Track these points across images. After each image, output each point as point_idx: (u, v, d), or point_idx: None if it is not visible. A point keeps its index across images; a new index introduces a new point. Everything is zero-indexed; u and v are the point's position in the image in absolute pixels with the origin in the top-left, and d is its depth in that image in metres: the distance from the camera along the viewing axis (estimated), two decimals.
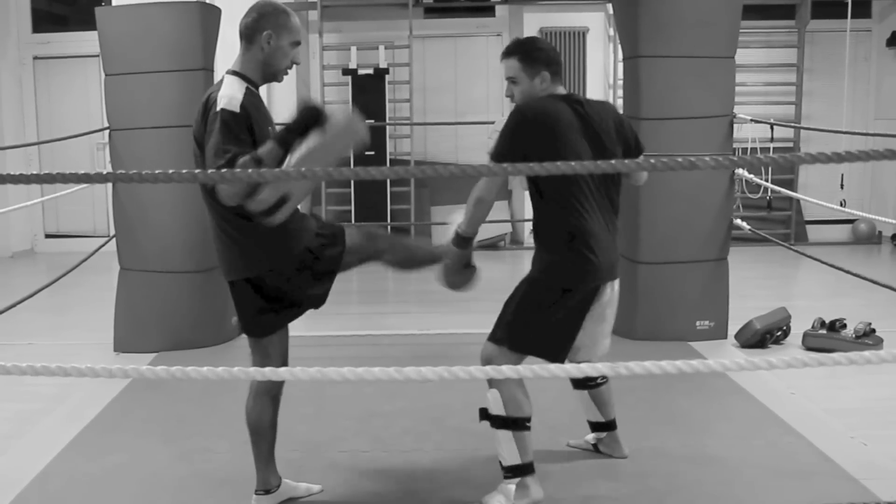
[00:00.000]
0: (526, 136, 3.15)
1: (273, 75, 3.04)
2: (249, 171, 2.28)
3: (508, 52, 3.31)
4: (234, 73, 3.00)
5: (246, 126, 2.86)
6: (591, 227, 3.18)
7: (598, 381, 3.69)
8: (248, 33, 2.98)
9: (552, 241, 3.22)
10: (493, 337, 3.30)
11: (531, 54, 3.27)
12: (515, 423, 3.22)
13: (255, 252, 3.02)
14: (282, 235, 3.00)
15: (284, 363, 3.19)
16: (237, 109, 2.85)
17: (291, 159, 2.73)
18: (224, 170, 2.67)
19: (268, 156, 2.75)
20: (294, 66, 3.06)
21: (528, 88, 3.28)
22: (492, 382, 3.21)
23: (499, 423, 3.24)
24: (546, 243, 3.26)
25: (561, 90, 3.33)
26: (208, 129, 2.87)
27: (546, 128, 3.15)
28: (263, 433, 3.23)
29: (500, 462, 3.27)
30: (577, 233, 3.16)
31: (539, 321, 3.21)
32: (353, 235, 3.25)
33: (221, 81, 2.97)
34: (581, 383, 3.70)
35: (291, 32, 3.00)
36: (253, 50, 2.98)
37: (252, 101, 2.93)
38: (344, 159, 2.94)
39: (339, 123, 2.80)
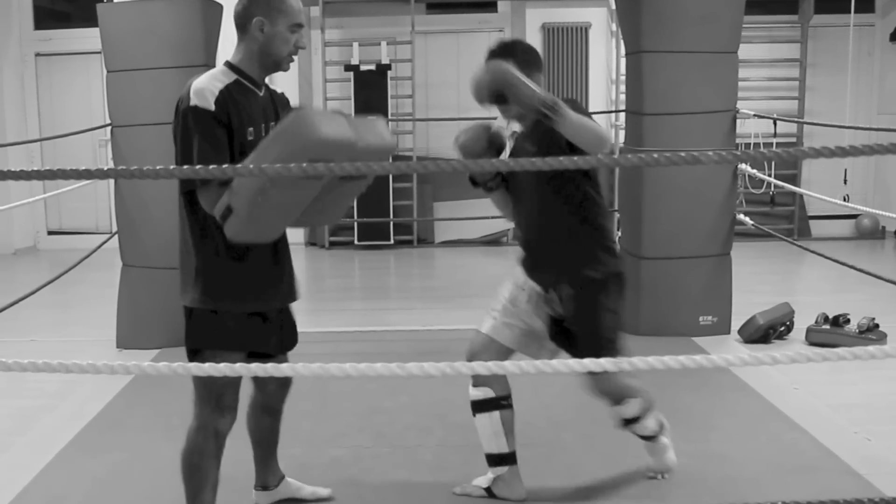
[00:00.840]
0: None
1: (275, 64, 2.75)
2: (250, 167, 2.15)
3: (503, 54, 3.11)
4: (227, 63, 2.77)
5: (218, 126, 2.61)
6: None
7: (510, 401, 3.30)
8: (240, 22, 2.72)
9: (605, 233, 3.21)
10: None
11: (529, 55, 3.18)
12: (662, 429, 3.40)
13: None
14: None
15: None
16: (210, 107, 2.61)
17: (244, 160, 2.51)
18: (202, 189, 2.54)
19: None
20: (299, 51, 2.78)
21: None
22: (626, 396, 3.26)
23: (649, 437, 3.40)
24: (601, 235, 3.19)
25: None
26: (179, 125, 2.65)
27: None
28: (255, 440, 3.22)
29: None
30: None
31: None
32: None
33: (200, 73, 2.75)
34: (492, 404, 3.29)
35: (288, 15, 2.70)
36: (247, 40, 2.72)
37: (235, 95, 2.67)
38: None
39: (285, 122, 2.49)
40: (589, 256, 3.14)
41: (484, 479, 3.36)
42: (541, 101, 2.83)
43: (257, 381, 3.10)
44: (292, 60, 2.78)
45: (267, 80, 2.88)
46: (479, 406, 3.27)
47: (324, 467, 3.67)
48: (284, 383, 3.13)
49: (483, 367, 1.94)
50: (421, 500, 3.38)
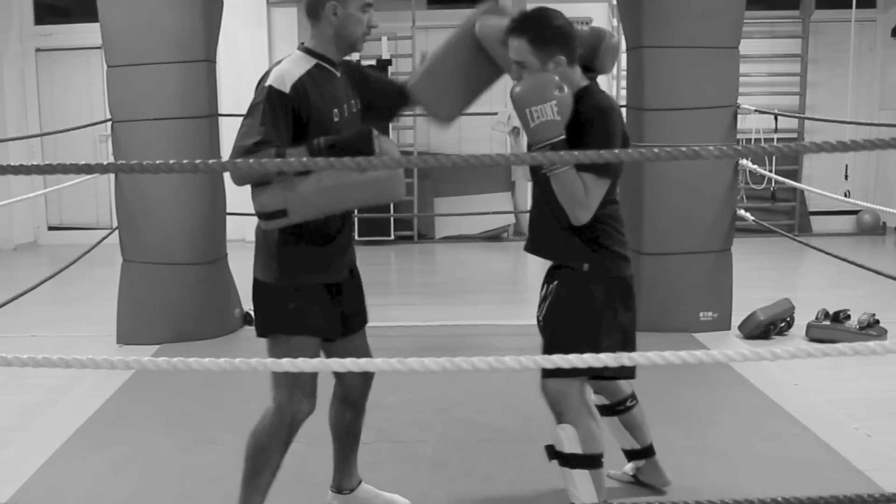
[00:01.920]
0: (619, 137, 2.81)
1: (351, 46, 2.79)
2: (251, 161, 2.11)
3: (515, 30, 2.78)
4: (304, 48, 2.79)
5: (290, 109, 2.65)
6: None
7: (628, 403, 3.29)
8: (312, 9, 2.74)
9: (604, 232, 2.89)
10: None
11: (544, 33, 2.75)
12: (592, 461, 2.90)
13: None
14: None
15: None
16: (286, 90, 2.64)
17: (318, 176, 2.57)
18: (237, 159, 2.53)
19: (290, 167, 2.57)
20: (371, 30, 2.82)
21: None
22: (563, 417, 2.89)
23: (574, 462, 2.91)
24: (616, 237, 2.91)
25: (585, 81, 2.87)
26: (253, 100, 2.69)
27: (622, 131, 2.84)
28: (335, 434, 3.17)
29: (571, 502, 2.97)
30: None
31: (610, 332, 2.93)
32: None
33: (285, 57, 2.78)
34: (609, 409, 3.30)
35: None
36: (322, 25, 2.74)
37: (316, 80, 2.71)
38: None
39: (386, 171, 2.60)
40: (577, 252, 2.87)
41: (630, 466, 3.42)
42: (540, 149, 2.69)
43: (337, 372, 3.03)
44: (366, 40, 2.82)
45: None
46: (601, 411, 3.26)
47: (325, 462, 3.67)
48: (367, 376, 3.08)
49: (483, 363, 1.94)
50: (421, 496, 3.38)
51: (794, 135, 10.00)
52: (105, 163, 2.05)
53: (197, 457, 3.75)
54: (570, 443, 2.87)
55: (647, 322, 5.58)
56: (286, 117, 2.65)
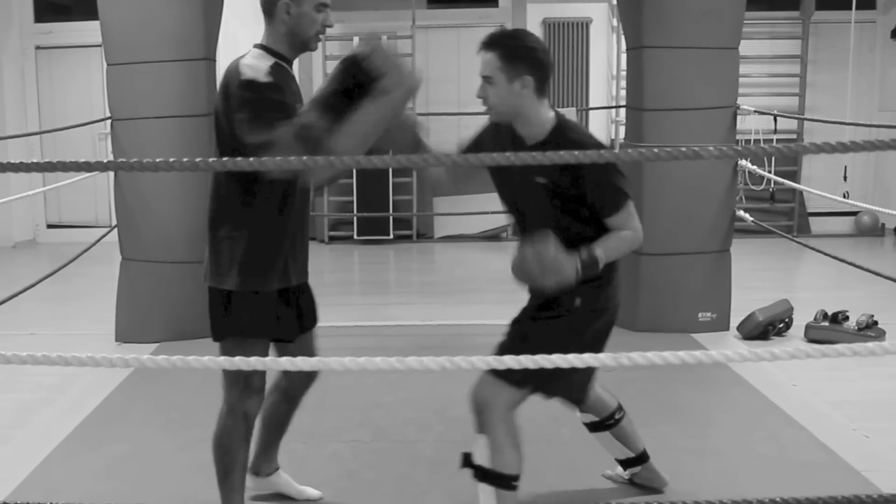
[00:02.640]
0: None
1: (304, 45, 2.78)
2: (251, 160, 2.07)
3: (488, 45, 2.73)
4: (260, 46, 2.78)
5: (277, 89, 2.64)
6: None
7: (616, 416, 3.25)
8: (266, 6, 2.75)
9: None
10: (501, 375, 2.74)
11: (515, 52, 2.69)
12: (501, 481, 2.80)
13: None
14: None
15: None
16: (267, 78, 2.63)
17: (365, 110, 2.55)
18: (259, 153, 2.48)
19: (316, 122, 2.54)
20: (326, 30, 2.81)
21: (504, 93, 2.70)
22: (482, 427, 2.82)
23: (481, 475, 2.83)
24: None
25: (551, 112, 2.78)
26: (232, 104, 2.65)
27: None
28: (265, 424, 3.22)
29: None
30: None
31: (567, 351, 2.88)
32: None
33: (244, 55, 2.76)
34: (598, 426, 3.27)
35: None
36: (275, 23, 2.74)
37: (280, 75, 2.70)
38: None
39: (397, 75, 2.56)
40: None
41: (625, 472, 3.42)
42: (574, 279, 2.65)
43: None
44: (319, 40, 2.82)
45: None
46: (590, 427, 3.29)
47: (323, 461, 3.68)
48: (311, 374, 3.16)
49: (482, 362, 1.94)
50: (420, 495, 3.38)
51: (794, 136, 10.00)
52: (104, 161, 2.05)
53: (195, 455, 3.74)
54: (482, 455, 2.81)
55: (645, 322, 5.62)
56: (281, 99, 2.64)
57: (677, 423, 4.09)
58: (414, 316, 6.21)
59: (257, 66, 2.66)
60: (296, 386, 3.18)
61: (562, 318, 2.83)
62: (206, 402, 4.38)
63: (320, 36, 2.80)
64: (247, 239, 2.81)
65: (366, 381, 4.59)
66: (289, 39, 2.76)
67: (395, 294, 7.66)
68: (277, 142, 2.49)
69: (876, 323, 5.43)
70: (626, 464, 3.36)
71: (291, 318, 2.96)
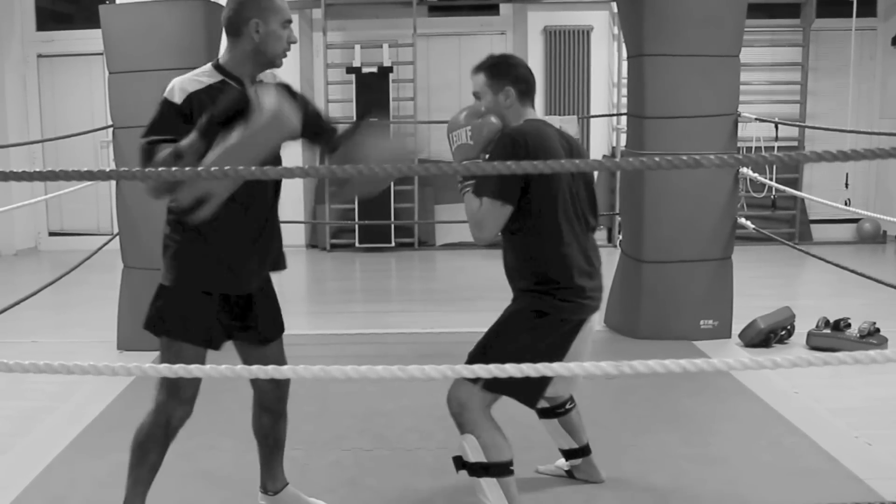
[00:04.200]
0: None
1: (271, 62, 2.81)
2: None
3: (477, 68, 3.14)
4: (215, 64, 2.81)
5: (182, 119, 2.66)
6: (581, 251, 3.03)
7: (567, 406, 3.44)
8: (233, 26, 2.76)
9: (540, 273, 3.00)
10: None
11: (498, 68, 3.10)
12: (499, 469, 2.95)
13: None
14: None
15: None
16: (177, 101, 2.69)
17: (210, 156, 2.53)
18: (144, 168, 2.57)
19: (188, 149, 2.56)
20: (291, 46, 2.83)
21: (492, 105, 3.07)
22: (465, 428, 2.96)
23: (480, 471, 2.96)
24: (532, 276, 3.02)
25: (534, 114, 3.13)
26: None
27: (548, 156, 2.89)
28: (257, 439, 3.21)
29: None
30: (570, 260, 2.98)
31: (523, 357, 2.91)
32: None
33: (197, 69, 2.82)
34: (548, 412, 3.44)
35: (279, 12, 2.77)
36: (242, 42, 2.76)
37: (215, 95, 2.68)
38: (275, 154, 2.68)
39: (264, 114, 2.52)
40: (520, 286, 3.09)
41: (565, 463, 3.57)
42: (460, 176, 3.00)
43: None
44: (286, 56, 2.84)
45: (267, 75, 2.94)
46: (540, 414, 3.45)
47: (325, 469, 3.67)
48: (280, 383, 3.12)
49: (483, 370, 1.94)
50: (421, 503, 3.38)
51: (795, 143, 10.01)
52: (107, 170, 2.06)
53: (197, 463, 3.75)
54: (473, 452, 2.95)
55: (647, 330, 5.63)
56: (179, 124, 2.66)
57: (679, 430, 4.09)
58: (415, 324, 6.21)
59: (181, 87, 2.72)
60: (264, 396, 3.13)
61: (512, 317, 3.06)
62: (207, 410, 4.38)
63: (286, 52, 2.82)
64: (177, 244, 2.95)
65: (367, 389, 4.59)
66: (256, 57, 2.78)
67: (396, 302, 7.66)
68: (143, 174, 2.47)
69: (878, 330, 5.43)
70: (569, 454, 3.52)
71: (219, 329, 2.94)
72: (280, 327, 3.10)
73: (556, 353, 2.97)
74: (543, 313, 2.98)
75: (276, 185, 2.94)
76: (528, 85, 3.12)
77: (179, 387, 2.89)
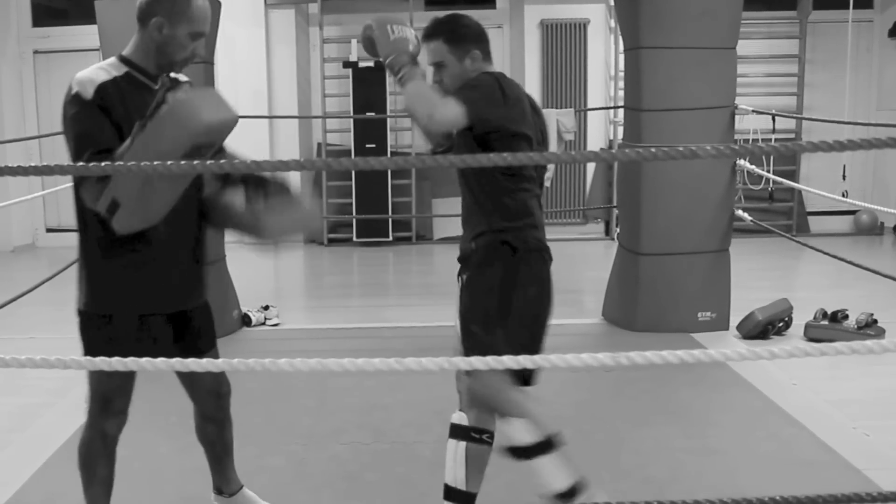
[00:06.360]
0: (503, 101, 2.76)
1: (168, 65, 2.67)
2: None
3: (430, 34, 2.95)
4: (120, 56, 2.69)
5: (104, 114, 2.57)
6: (539, 206, 2.90)
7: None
8: (141, 16, 2.62)
9: (506, 211, 2.81)
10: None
11: (457, 32, 2.92)
12: (550, 444, 2.69)
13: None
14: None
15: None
16: (90, 96, 2.57)
17: (120, 150, 2.44)
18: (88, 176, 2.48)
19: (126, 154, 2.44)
20: (195, 59, 2.71)
21: (459, 72, 2.90)
22: (503, 412, 2.73)
23: (534, 451, 2.69)
24: (500, 213, 2.82)
25: (494, 69, 2.94)
26: (63, 115, 2.64)
27: (519, 106, 2.80)
28: (203, 446, 3.16)
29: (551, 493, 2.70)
30: (529, 208, 2.83)
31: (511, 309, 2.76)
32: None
33: (100, 62, 2.69)
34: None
35: (191, 22, 2.61)
36: (145, 36, 2.63)
37: (121, 88, 2.60)
38: (196, 150, 2.44)
39: (171, 108, 2.42)
40: (478, 231, 2.83)
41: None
42: (387, 63, 2.87)
43: (189, 389, 3.03)
44: (186, 65, 2.72)
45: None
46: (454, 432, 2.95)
47: (323, 463, 3.68)
48: (219, 394, 3.04)
49: (480, 363, 1.94)
50: (419, 496, 3.38)
51: (792, 135, 10.01)
52: (103, 164, 2.05)
53: (196, 459, 3.73)
54: (522, 434, 2.69)
55: (645, 322, 5.63)
56: (101, 121, 2.58)
57: (677, 422, 4.10)
58: (413, 318, 6.21)
59: (88, 80, 2.60)
60: (207, 406, 3.06)
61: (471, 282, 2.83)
62: None
63: (187, 62, 2.69)
64: (87, 262, 2.77)
65: (365, 383, 4.59)
66: (156, 57, 2.66)
67: (394, 296, 7.66)
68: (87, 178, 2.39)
69: (875, 321, 5.44)
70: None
71: (166, 344, 2.80)
72: (213, 340, 2.99)
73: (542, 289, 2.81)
74: (510, 245, 2.78)
75: (202, 202, 2.80)
76: (486, 41, 2.95)
77: (110, 399, 2.80)
